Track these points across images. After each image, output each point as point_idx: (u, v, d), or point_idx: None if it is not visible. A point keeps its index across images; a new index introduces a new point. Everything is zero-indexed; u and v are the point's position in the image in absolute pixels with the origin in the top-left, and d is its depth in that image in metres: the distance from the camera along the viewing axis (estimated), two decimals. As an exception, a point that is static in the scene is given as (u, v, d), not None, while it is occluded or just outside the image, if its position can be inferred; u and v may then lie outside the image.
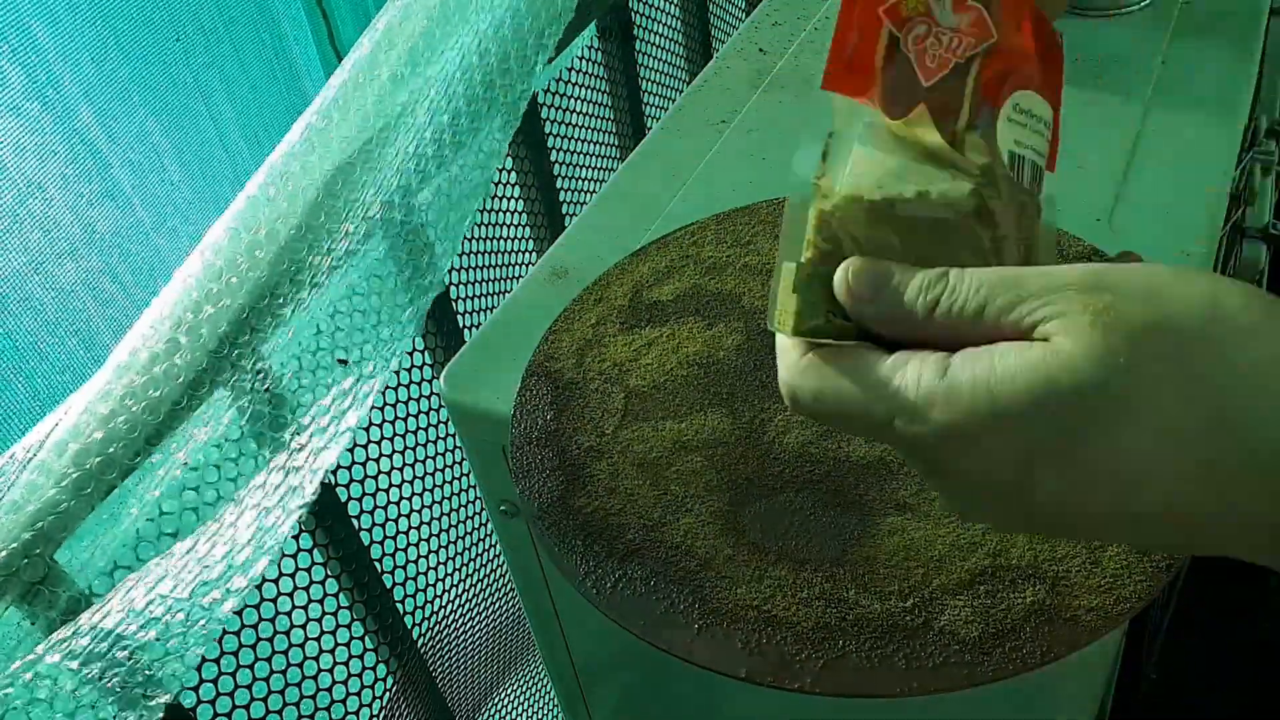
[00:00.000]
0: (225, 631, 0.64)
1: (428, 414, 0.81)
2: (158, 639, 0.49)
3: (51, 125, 0.81)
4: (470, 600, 0.91)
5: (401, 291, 0.64)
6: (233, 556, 0.52)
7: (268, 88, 0.99)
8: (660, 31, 1.05)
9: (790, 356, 0.34)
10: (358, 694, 0.75)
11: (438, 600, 0.85)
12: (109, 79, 0.85)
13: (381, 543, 0.78)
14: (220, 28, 0.93)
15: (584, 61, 0.95)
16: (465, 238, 0.83)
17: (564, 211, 0.94)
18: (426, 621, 0.84)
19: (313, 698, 0.71)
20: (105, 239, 0.87)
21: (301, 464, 0.56)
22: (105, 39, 0.84)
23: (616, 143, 1.03)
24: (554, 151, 0.91)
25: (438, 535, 0.84)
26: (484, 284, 0.86)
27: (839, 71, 0.34)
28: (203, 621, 0.50)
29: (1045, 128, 0.35)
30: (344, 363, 0.59)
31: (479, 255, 0.85)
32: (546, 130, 0.90)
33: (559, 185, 0.92)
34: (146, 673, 0.50)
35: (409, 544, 0.81)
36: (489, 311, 0.86)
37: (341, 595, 0.73)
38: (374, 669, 0.77)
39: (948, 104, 0.33)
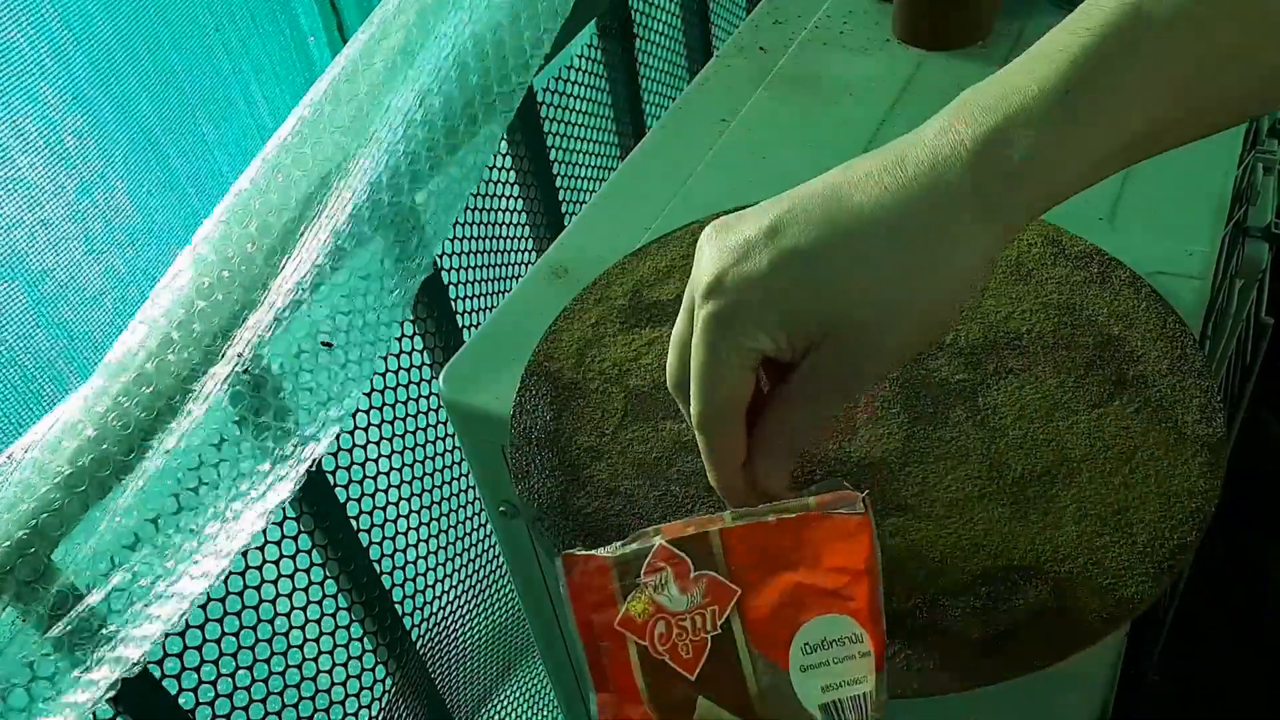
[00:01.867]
0: (224, 633, 0.63)
1: (427, 414, 0.81)
2: (128, 607, 0.49)
3: (113, 115, 0.82)
4: (470, 601, 0.90)
5: (390, 275, 0.63)
6: (215, 544, 0.52)
7: (289, 78, 0.99)
8: (660, 30, 1.04)
9: None
10: (356, 695, 0.75)
11: (437, 601, 0.85)
12: (161, 68, 0.85)
13: (380, 543, 0.78)
14: (249, 20, 0.93)
15: (584, 60, 0.95)
16: (464, 237, 0.83)
17: (564, 211, 0.93)
18: (426, 623, 0.84)
19: (311, 699, 0.71)
20: (164, 228, 0.87)
21: (289, 453, 0.56)
22: (158, 27, 0.84)
23: (616, 142, 1.02)
24: (554, 150, 0.91)
25: (437, 536, 0.84)
26: (483, 283, 0.86)
27: (612, 708, 0.32)
28: (176, 598, 0.50)
29: (856, 640, 0.32)
30: (329, 345, 0.59)
31: (478, 254, 0.85)
32: (546, 129, 0.89)
33: (559, 184, 0.92)
34: (112, 642, 0.50)
35: (408, 545, 0.81)
36: (488, 311, 0.85)
37: (340, 596, 0.73)
38: (373, 670, 0.77)
39: (723, 678, 0.31)
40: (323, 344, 0.59)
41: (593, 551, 0.33)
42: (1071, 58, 0.37)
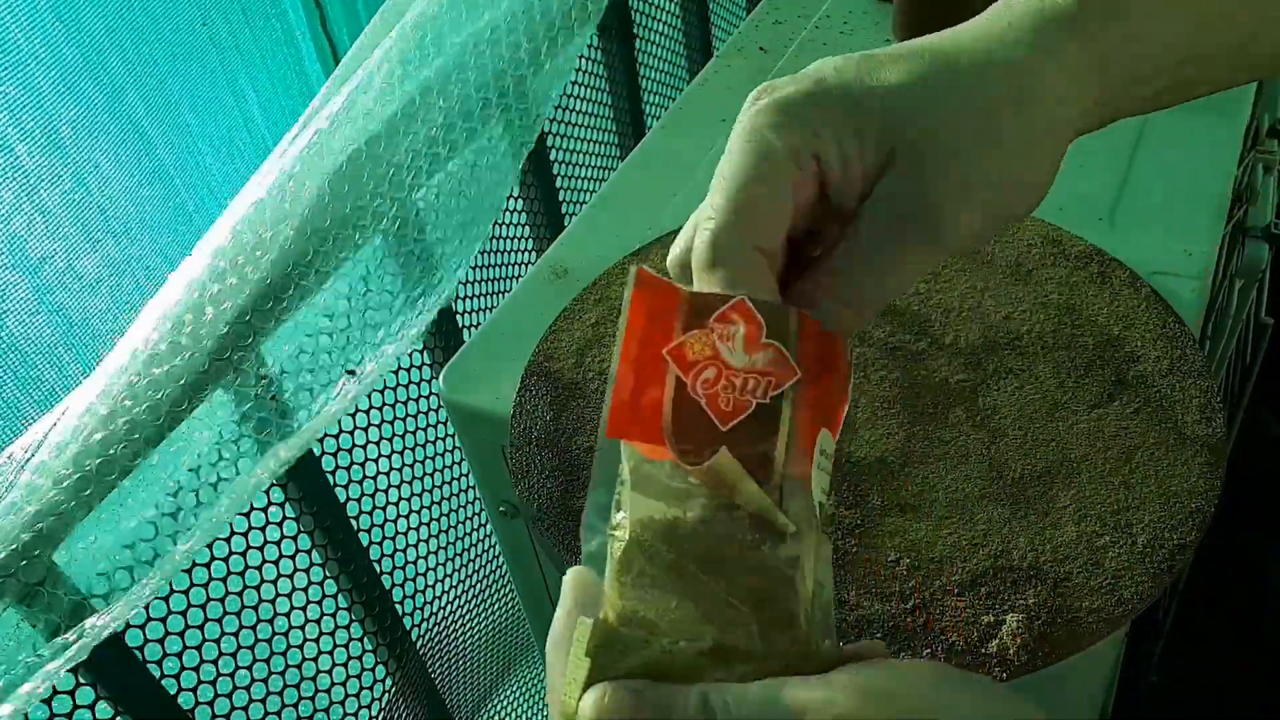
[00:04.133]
0: (224, 633, 0.63)
1: (427, 414, 0.81)
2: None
3: (104, 107, 0.82)
4: (470, 601, 0.90)
5: (406, 298, 0.64)
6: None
7: (280, 73, 0.99)
8: (660, 30, 1.04)
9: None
10: (356, 695, 0.75)
11: (437, 601, 0.85)
12: (148, 61, 0.85)
13: (380, 544, 0.78)
14: (239, 15, 0.93)
15: (584, 60, 0.95)
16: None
17: (564, 211, 0.93)
18: (426, 623, 0.84)
19: (311, 699, 0.71)
20: (152, 219, 0.87)
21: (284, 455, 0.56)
22: (143, 20, 0.84)
23: (617, 142, 1.02)
24: (554, 150, 0.91)
25: (437, 536, 0.84)
26: (484, 284, 0.86)
27: (624, 418, 0.31)
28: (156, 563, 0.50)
29: (830, 462, 0.32)
30: (352, 373, 0.59)
31: (478, 255, 0.85)
32: (546, 129, 0.89)
33: (559, 185, 0.92)
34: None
35: (408, 545, 0.81)
36: (489, 311, 0.85)
37: (340, 596, 0.73)
38: (373, 670, 0.77)
39: (752, 445, 0.30)
40: (347, 372, 0.59)
41: (669, 279, 0.31)
42: None
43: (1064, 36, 0.33)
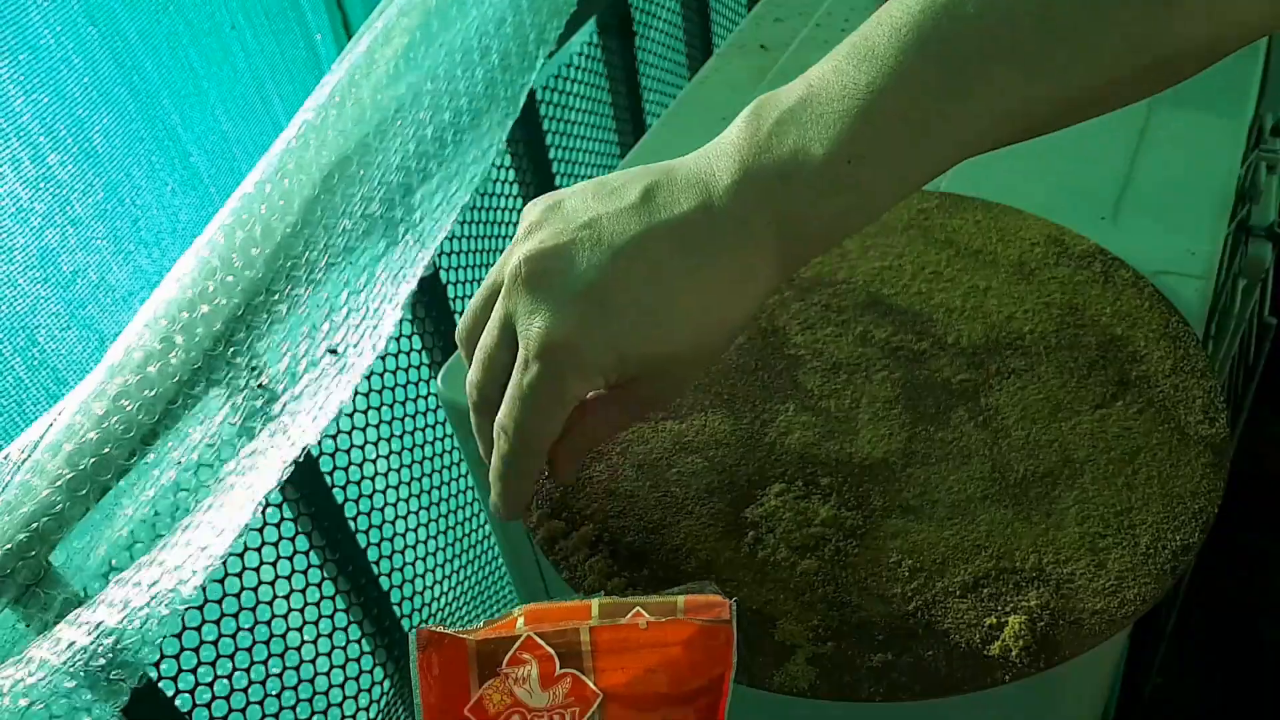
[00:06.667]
0: (221, 634, 0.63)
1: (425, 414, 0.81)
2: (126, 621, 0.49)
3: (138, 114, 0.81)
4: (469, 602, 0.90)
5: (390, 275, 0.63)
6: (206, 540, 0.52)
7: (300, 76, 0.99)
8: (660, 27, 1.04)
9: None
10: (355, 697, 0.75)
11: (436, 603, 0.85)
12: (182, 65, 0.85)
13: (379, 544, 0.77)
14: (261, 17, 0.93)
15: (583, 58, 0.94)
16: (464, 236, 0.83)
17: (563, 210, 0.93)
18: (425, 624, 0.84)
19: (309, 701, 0.71)
20: (188, 228, 0.87)
21: (279, 444, 0.56)
22: (179, 25, 0.84)
23: (616, 139, 1.02)
24: (553, 149, 0.91)
25: (435, 537, 0.84)
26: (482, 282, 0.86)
27: None
28: (168, 603, 0.50)
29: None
30: (334, 352, 0.59)
31: (477, 254, 0.85)
32: (546, 127, 0.89)
33: (558, 183, 0.92)
34: (114, 655, 0.50)
35: (406, 546, 0.80)
36: (488, 310, 0.85)
37: (339, 598, 0.73)
38: (370, 672, 0.77)
39: None
40: (329, 350, 0.59)
41: (452, 631, 0.31)
42: (860, 108, 0.37)
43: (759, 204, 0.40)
